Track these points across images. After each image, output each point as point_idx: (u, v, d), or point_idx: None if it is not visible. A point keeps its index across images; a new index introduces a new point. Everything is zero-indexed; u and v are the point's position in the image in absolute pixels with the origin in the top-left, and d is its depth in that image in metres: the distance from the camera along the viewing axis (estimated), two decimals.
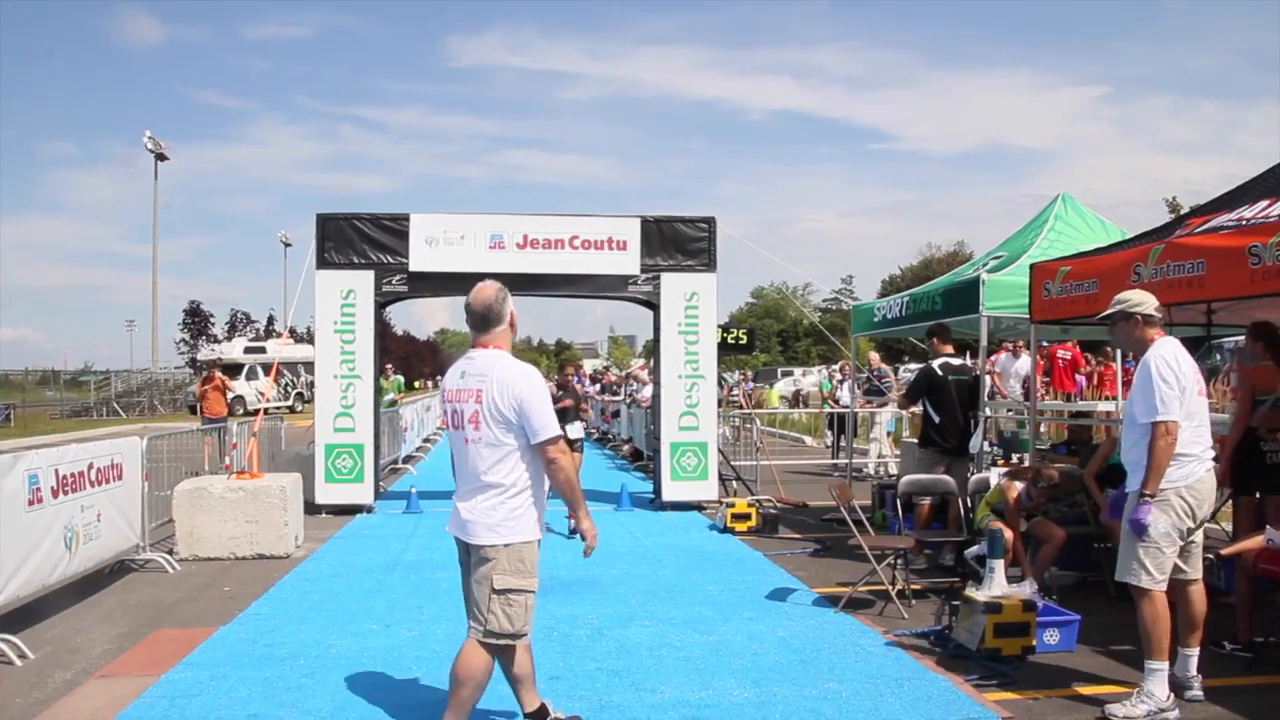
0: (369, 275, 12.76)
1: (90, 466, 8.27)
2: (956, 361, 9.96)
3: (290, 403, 44.76)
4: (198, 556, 9.63)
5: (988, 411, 10.73)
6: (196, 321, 59.88)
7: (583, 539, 4.69)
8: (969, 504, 8.64)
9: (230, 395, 21.91)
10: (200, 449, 14.36)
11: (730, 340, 15.88)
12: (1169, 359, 5.36)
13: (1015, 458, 11.22)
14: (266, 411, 19.46)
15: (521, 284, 12.87)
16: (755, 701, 5.56)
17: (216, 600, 8.09)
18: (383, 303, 13.03)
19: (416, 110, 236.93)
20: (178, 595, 8.26)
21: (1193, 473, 5.37)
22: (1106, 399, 12.64)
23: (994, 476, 8.50)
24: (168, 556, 9.39)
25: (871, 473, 16.75)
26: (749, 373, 39.36)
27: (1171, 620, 5.46)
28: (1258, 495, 7.79)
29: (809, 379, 45.14)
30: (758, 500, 12.02)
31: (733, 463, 15.00)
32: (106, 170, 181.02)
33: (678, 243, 13.16)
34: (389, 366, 23.25)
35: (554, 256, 12.87)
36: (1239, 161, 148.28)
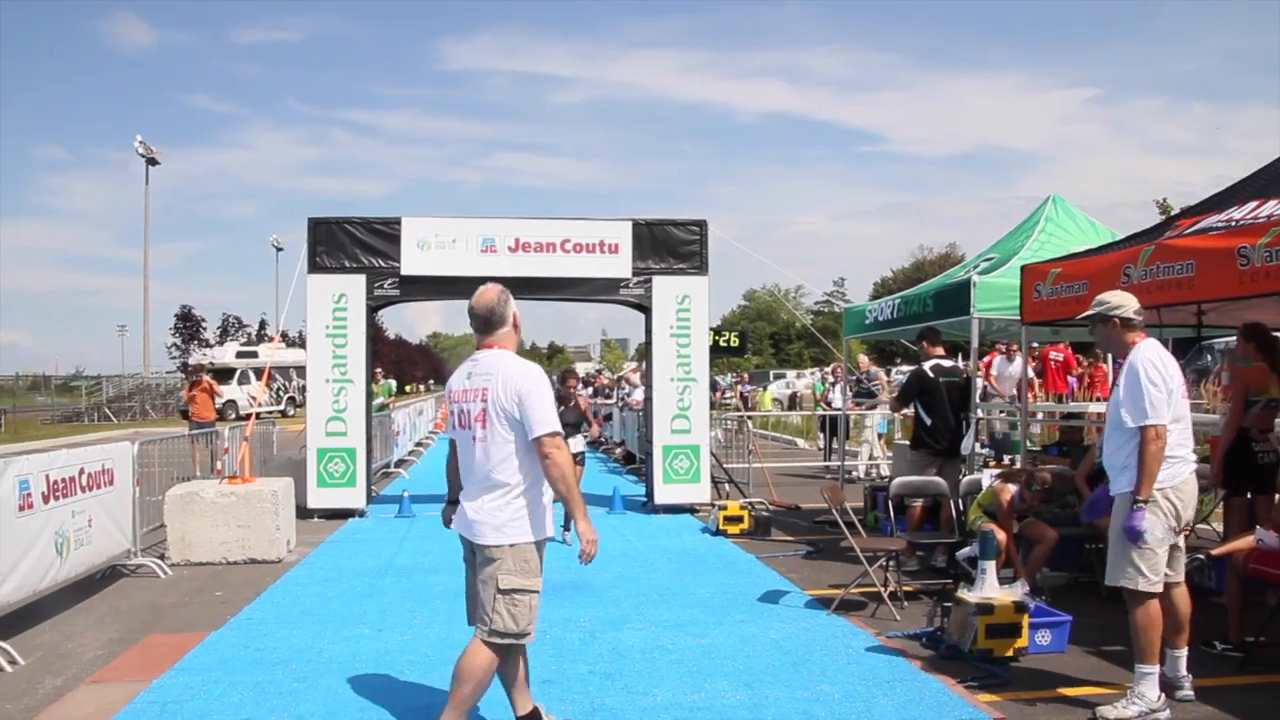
0: (361, 279, 12.75)
1: (81, 472, 8.24)
2: (948, 363, 9.98)
3: (282, 407, 44.72)
4: (189, 561, 9.61)
5: (979, 413, 10.75)
6: (188, 326, 59.70)
7: (580, 540, 4.64)
8: (961, 506, 8.66)
9: (219, 399, 21.82)
10: (203, 454, 14.33)
11: (722, 343, 15.87)
12: (1156, 362, 5.35)
13: (1007, 459, 11.25)
14: (258, 416, 19.41)
15: (513, 288, 12.50)
16: (747, 704, 5.56)
17: (208, 605, 8.07)
18: (374, 307, 13.04)
19: (408, 114, 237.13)
20: (169, 600, 8.24)
21: (1179, 474, 5.38)
22: (1098, 400, 12.69)
23: (986, 478, 8.51)
24: (159, 561, 9.37)
25: (863, 475, 16.77)
26: (745, 375, 39.34)
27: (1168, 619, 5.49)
28: (1249, 495, 7.83)
29: (802, 381, 45.17)
30: (750, 503, 12.02)
31: (725, 465, 15.01)
32: (97, 175, 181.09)
33: (669, 246, 13.17)
34: (379, 370, 23.22)
35: (546, 260, 12.87)
36: (1229, 163, 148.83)
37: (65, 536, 7.86)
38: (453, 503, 4.97)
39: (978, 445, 10.69)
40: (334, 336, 12.67)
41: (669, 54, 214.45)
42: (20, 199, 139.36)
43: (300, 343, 43.75)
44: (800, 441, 25.14)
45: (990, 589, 6.22)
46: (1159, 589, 5.32)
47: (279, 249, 67.44)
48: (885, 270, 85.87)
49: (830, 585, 8.45)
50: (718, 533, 11.20)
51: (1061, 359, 16.31)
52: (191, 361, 45.17)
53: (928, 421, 9.64)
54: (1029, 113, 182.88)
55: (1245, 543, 6.64)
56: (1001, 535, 7.42)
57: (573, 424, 10.41)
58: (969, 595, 6.22)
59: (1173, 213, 9.13)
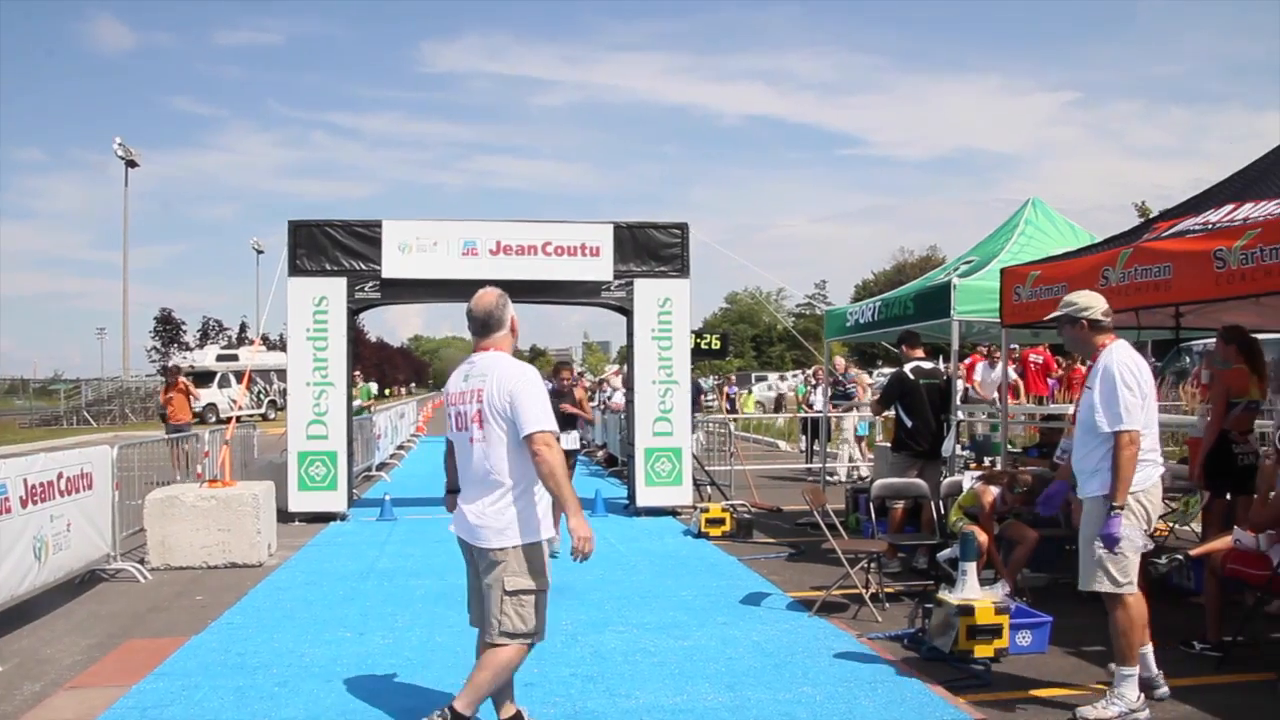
0: (341, 282, 12.71)
1: (60, 476, 8.20)
2: (928, 365, 10.03)
3: (263, 410, 44.51)
4: (169, 566, 9.56)
5: (960, 415, 10.79)
6: (168, 329, 59.25)
7: (571, 537, 4.63)
8: (942, 507, 8.69)
9: (197, 402, 21.65)
10: (173, 459, 14.22)
11: (704, 346, 15.91)
12: (1131, 365, 5.36)
13: (987, 461, 11.30)
14: (239, 419, 19.32)
15: None
16: (729, 706, 5.57)
17: (188, 610, 8.03)
18: (355, 310, 13.00)
19: (390, 116, 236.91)
20: (149, 605, 8.20)
21: (1149, 477, 5.40)
22: (1077, 402, 12.74)
23: (966, 480, 8.55)
24: (139, 566, 9.32)
25: (844, 477, 16.82)
26: (732, 377, 39.33)
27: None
28: (1228, 496, 7.89)
29: (785, 384, 45.19)
30: (732, 505, 12.03)
31: (707, 468, 15.02)
32: (76, 177, 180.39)
33: (651, 249, 13.17)
34: (358, 373, 23.17)
35: (527, 263, 12.85)
36: (1207, 166, 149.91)
37: (43, 541, 7.82)
38: (452, 491, 5.03)
39: (958, 447, 10.73)
40: (315, 339, 12.63)
41: (651, 57, 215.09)
42: None
43: (281, 346, 43.59)
44: (782, 444, 25.18)
45: (971, 590, 6.25)
46: (1135, 589, 5.35)
47: (259, 251, 67.38)
48: (866, 273, 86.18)
49: (812, 587, 8.47)
50: (700, 535, 11.20)
51: (1041, 361, 16.38)
52: (171, 364, 45.01)
53: (908, 424, 9.68)
54: (1009, 116, 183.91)
55: (1223, 543, 6.69)
56: (983, 537, 7.46)
57: (568, 417, 10.25)
58: (950, 596, 6.24)
59: (1151, 215, 9.17)
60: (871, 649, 6.67)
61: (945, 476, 9.60)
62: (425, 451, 25.38)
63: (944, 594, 6.36)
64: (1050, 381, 16.37)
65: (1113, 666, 5.45)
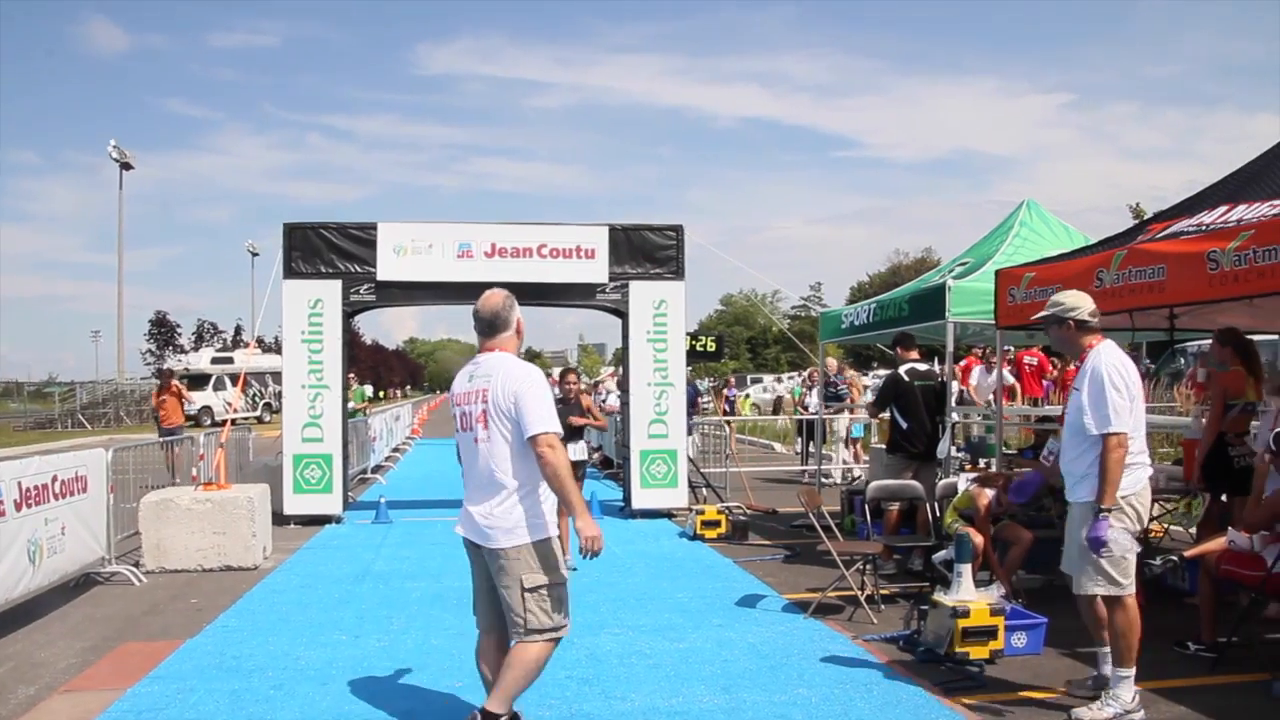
0: (336, 285, 12.70)
1: (54, 479, 8.19)
2: (923, 367, 10.04)
3: (258, 413, 44.47)
4: (164, 569, 9.54)
5: (955, 417, 10.80)
6: (163, 332, 59.27)
7: (579, 536, 4.65)
8: (937, 509, 8.70)
9: (190, 406, 21.55)
10: (167, 462, 14.16)
11: (699, 348, 15.89)
12: (1120, 367, 5.36)
13: (982, 463, 11.30)
14: (234, 422, 19.27)
15: None
16: (725, 708, 5.57)
17: (183, 613, 8.02)
18: (350, 312, 12.98)
19: (385, 119, 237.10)
20: (144, 608, 8.19)
21: (1140, 479, 5.40)
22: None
23: (961, 481, 8.55)
24: (134, 569, 9.31)
25: (838, 479, 16.82)
26: (732, 379, 39.27)
27: (1099, 618, 5.54)
28: (1224, 498, 7.92)
29: (782, 385, 45.17)
30: (727, 507, 12.04)
31: (702, 470, 15.02)
32: (71, 179, 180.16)
33: (646, 251, 13.18)
34: (352, 375, 23.14)
35: (522, 265, 12.84)
36: (1201, 168, 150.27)
37: (38, 544, 7.81)
38: None
39: (953, 449, 10.74)
40: (310, 342, 12.62)
41: (647, 59, 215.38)
42: None
43: (276, 348, 43.52)
44: (778, 446, 25.18)
45: (966, 592, 6.25)
46: (1133, 590, 5.35)
47: (255, 254, 67.23)
48: (862, 275, 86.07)
49: (808, 589, 8.47)
50: (695, 537, 11.20)
51: (1035, 363, 16.41)
52: (166, 366, 44.93)
53: (903, 425, 9.69)
54: (1005, 118, 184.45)
55: (1217, 544, 6.70)
56: (978, 538, 7.46)
57: (575, 427, 9.90)
58: (945, 598, 6.25)
59: (1146, 217, 9.20)
60: (867, 651, 6.67)
61: (940, 478, 9.60)
62: (421, 454, 25.36)
63: (939, 595, 6.37)
64: (1045, 383, 16.40)
65: (1102, 660, 5.48)
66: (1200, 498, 8.67)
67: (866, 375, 26.70)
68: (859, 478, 15.77)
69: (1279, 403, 7.39)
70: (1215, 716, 5.45)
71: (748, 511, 12.61)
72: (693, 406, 16.69)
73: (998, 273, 8.96)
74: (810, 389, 19.86)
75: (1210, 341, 8.35)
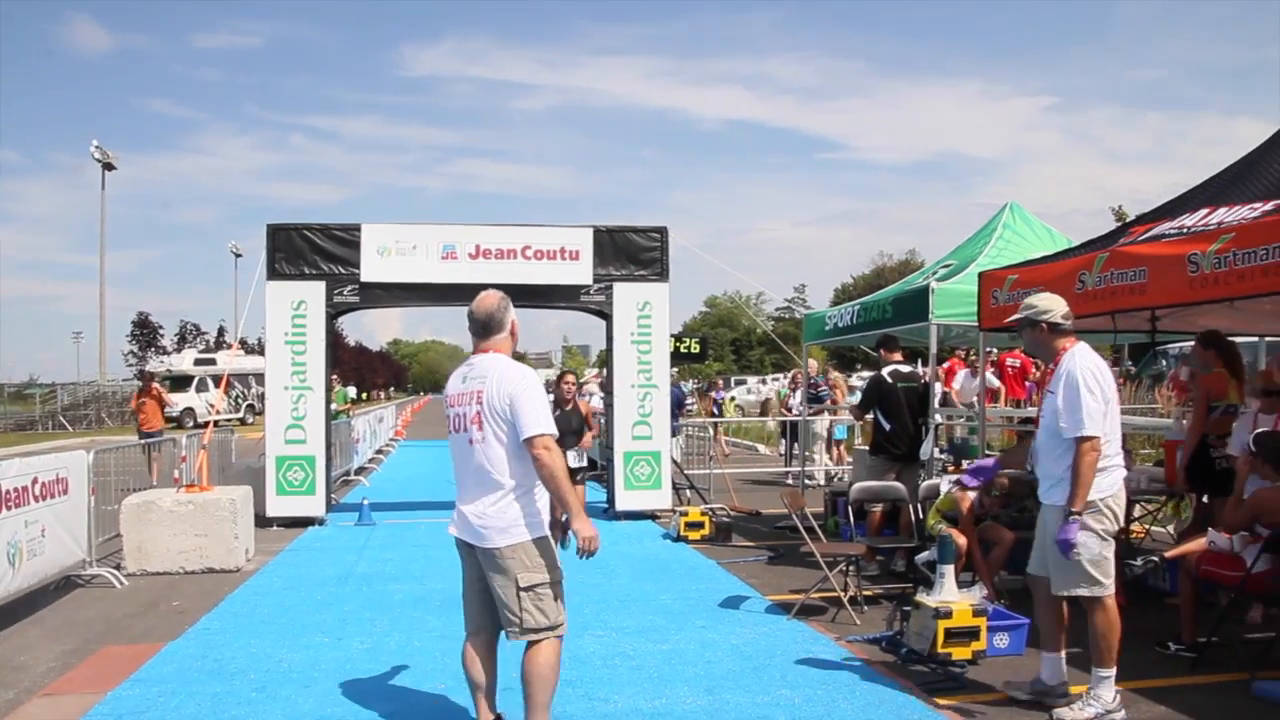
0: (320, 286, 12.67)
1: (34, 481, 8.14)
2: (906, 369, 10.07)
3: (241, 415, 44.30)
4: (146, 571, 9.50)
5: (938, 418, 10.83)
6: (145, 333, 59.04)
7: (576, 538, 4.67)
8: (920, 510, 8.72)
9: (172, 409, 21.39)
10: (148, 464, 14.09)
11: (683, 349, 15.90)
12: (1095, 371, 5.37)
13: (965, 464, 11.34)
14: (217, 424, 19.19)
15: (474, 295, 12.66)
16: (708, 709, 5.58)
17: (165, 615, 7.99)
18: (334, 313, 12.95)
19: (369, 120, 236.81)
20: (125, 611, 8.15)
21: (1116, 481, 5.42)
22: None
23: (944, 483, 8.58)
24: (115, 572, 9.26)
25: (821, 481, 16.84)
26: (720, 381, 39.24)
27: (1053, 622, 5.58)
28: (1205, 499, 7.96)
29: (766, 387, 45.19)
30: (711, 509, 12.05)
31: (686, 471, 15.03)
32: (53, 180, 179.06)
33: (630, 253, 13.18)
34: (335, 377, 23.05)
35: (506, 267, 12.82)
36: (1183, 171, 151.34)
37: (17, 547, 7.76)
38: None
39: (936, 450, 10.77)
40: (293, 343, 12.58)
41: (632, 61, 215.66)
42: None
43: (259, 350, 43.35)
44: (761, 447, 25.21)
45: (949, 593, 6.26)
46: (1112, 590, 5.38)
47: (238, 255, 67.08)
48: (846, 276, 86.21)
49: (791, 590, 8.48)
50: (679, 539, 11.20)
51: (1018, 365, 16.48)
52: (148, 368, 44.69)
53: (886, 427, 9.72)
54: (989, 120, 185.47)
55: (1198, 545, 6.75)
56: (961, 540, 7.48)
57: (573, 431, 9.83)
58: (928, 599, 6.26)
59: (1127, 220, 9.26)
60: (850, 652, 6.69)
61: (923, 480, 9.63)
62: (404, 456, 25.32)
63: (922, 597, 6.38)
64: (1028, 385, 16.47)
65: (1046, 664, 5.51)
66: (1187, 499, 8.72)
67: (849, 376, 26.70)
68: (836, 477, 15.81)
69: (1258, 405, 7.43)
70: (1196, 716, 5.48)
71: (731, 513, 12.62)
72: (679, 408, 16.70)
73: (981, 275, 8.99)
74: (795, 390, 19.90)
75: (1192, 343, 8.40)
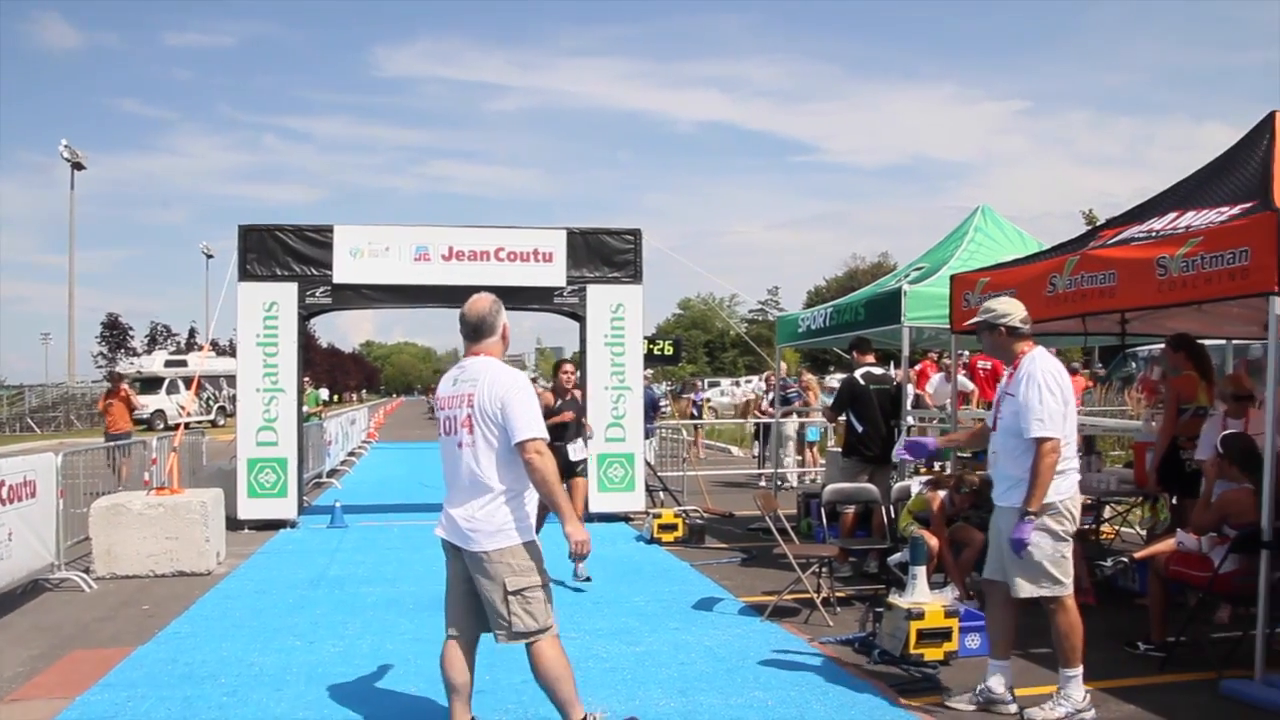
0: (292, 287, 12.60)
1: (2, 484, 8.05)
2: (878, 371, 10.12)
3: (212, 417, 43.98)
4: (115, 575, 9.41)
5: (910, 420, 10.87)
6: (115, 334, 58.58)
7: (569, 541, 4.68)
8: (892, 512, 8.76)
9: (142, 410, 21.17)
10: (117, 466, 13.94)
11: (656, 351, 15.92)
12: (1055, 373, 5.42)
13: (937, 466, 11.39)
14: (188, 426, 19.03)
15: (447, 296, 12.82)
16: (681, 711, 5.58)
17: (135, 619, 7.92)
18: (306, 315, 12.89)
19: (342, 120, 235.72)
20: (94, 615, 8.07)
21: (1073, 484, 5.47)
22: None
23: (915, 485, 8.62)
24: (84, 575, 9.17)
25: (794, 483, 16.87)
26: (699, 383, 39.25)
27: (1004, 630, 5.62)
28: (1174, 501, 8.04)
29: (740, 389, 45.28)
30: (684, 511, 12.06)
31: (660, 473, 15.04)
32: (21, 179, 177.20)
33: (604, 255, 13.18)
34: (307, 379, 22.93)
35: (479, 269, 12.80)
36: (1152, 175, 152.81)
37: None
38: None
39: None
40: (265, 345, 12.51)
41: (605, 63, 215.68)
42: None
43: (231, 351, 43.08)
44: (735, 449, 25.25)
45: (921, 594, 6.29)
46: (1071, 590, 5.41)
47: (209, 256, 66.70)
48: (819, 279, 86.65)
49: (764, 592, 8.50)
50: (652, 541, 11.21)
51: (989, 367, 16.53)
52: (118, 370, 44.28)
53: (859, 429, 9.75)
54: (960, 124, 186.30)
55: (1167, 546, 6.81)
56: (932, 541, 7.52)
57: (575, 422, 9.36)
58: (900, 600, 6.28)
59: (1097, 223, 9.32)
60: (823, 653, 6.71)
61: (895, 481, 9.68)
62: (377, 458, 25.22)
63: (894, 598, 6.41)
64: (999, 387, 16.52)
65: (992, 671, 5.59)
66: (1162, 500, 8.80)
67: (822, 379, 26.77)
68: (809, 478, 15.85)
69: (1225, 408, 7.50)
70: (1165, 715, 5.53)
71: (705, 515, 12.62)
72: (653, 410, 16.72)
73: (953, 278, 9.04)
74: (766, 393, 19.96)
75: (1161, 346, 8.48)
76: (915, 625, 6.08)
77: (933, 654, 6.12)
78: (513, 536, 4.66)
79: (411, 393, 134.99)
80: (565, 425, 9.13)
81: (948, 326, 9.22)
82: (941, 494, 8.01)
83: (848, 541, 9.24)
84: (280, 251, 12.59)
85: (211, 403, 45.37)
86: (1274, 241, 5.53)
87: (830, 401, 11.83)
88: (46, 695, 5.94)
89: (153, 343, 60.32)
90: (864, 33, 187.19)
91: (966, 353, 15.08)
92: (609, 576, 9.39)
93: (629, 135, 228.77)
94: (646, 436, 14.84)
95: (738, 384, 50.29)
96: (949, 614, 6.17)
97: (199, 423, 38.04)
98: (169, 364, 47.77)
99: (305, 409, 16.08)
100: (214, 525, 9.98)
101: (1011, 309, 5.64)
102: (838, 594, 8.26)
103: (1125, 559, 8.41)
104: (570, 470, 8.71)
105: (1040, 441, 5.27)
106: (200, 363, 36.92)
